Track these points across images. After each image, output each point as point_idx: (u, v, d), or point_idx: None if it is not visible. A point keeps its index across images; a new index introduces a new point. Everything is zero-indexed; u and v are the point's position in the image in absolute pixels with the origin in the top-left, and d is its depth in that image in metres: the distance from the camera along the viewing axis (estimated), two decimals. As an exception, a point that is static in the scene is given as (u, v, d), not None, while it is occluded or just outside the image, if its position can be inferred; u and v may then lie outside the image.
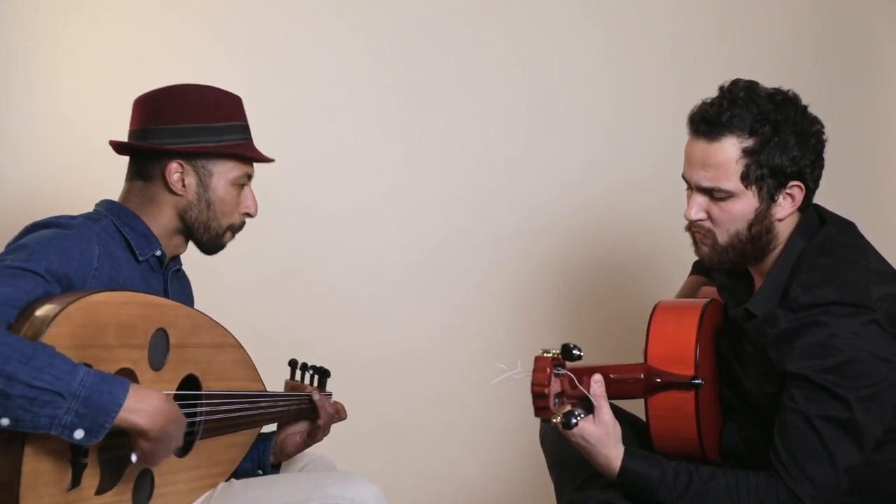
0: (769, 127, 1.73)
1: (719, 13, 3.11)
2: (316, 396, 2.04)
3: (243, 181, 1.90)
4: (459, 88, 3.02)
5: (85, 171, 2.70)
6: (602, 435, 1.73)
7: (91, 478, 1.54)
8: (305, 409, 2.04)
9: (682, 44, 3.08)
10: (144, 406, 1.49)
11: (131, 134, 1.88)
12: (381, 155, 3.01)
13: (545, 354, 1.66)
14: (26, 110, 2.77)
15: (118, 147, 1.89)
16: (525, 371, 1.69)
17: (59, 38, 2.79)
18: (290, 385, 2.12)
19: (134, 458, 1.54)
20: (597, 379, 1.74)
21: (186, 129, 1.82)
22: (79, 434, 1.43)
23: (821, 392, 1.66)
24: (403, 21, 2.99)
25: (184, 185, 1.84)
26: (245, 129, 1.91)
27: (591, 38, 3.07)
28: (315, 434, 2.04)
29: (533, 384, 1.63)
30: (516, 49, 3.04)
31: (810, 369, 1.66)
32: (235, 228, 1.93)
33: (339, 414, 2.08)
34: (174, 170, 1.83)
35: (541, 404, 1.64)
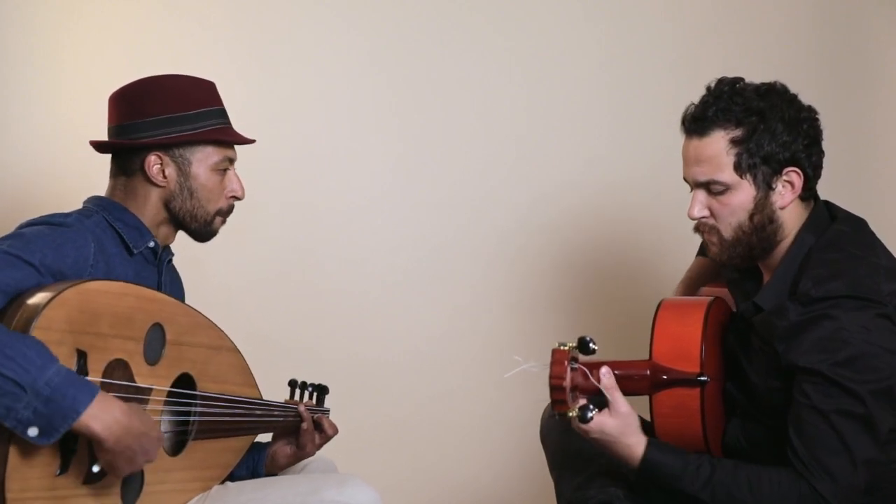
0: (755, 117, 1.76)
1: (718, 13, 3.11)
2: (303, 412, 2.00)
3: (225, 165, 1.88)
4: (459, 88, 3.01)
5: (84, 170, 2.69)
6: (622, 425, 1.73)
7: (80, 464, 1.52)
8: (298, 422, 2.02)
9: (681, 43, 3.08)
10: (104, 415, 1.45)
11: (109, 131, 1.87)
12: (381, 154, 3.00)
13: (562, 347, 1.65)
14: (26, 109, 2.77)
15: (98, 146, 1.89)
16: (540, 365, 1.69)
17: (59, 38, 2.79)
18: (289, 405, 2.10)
19: (96, 468, 1.51)
20: (604, 371, 1.74)
21: (160, 120, 1.82)
22: (32, 432, 1.41)
23: (834, 387, 1.65)
24: (403, 21, 2.99)
25: (164, 177, 1.83)
26: (221, 114, 1.89)
27: (590, 38, 3.06)
28: (305, 447, 2.00)
29: (551, 377, 1.63)
30: (515, 48, 3.03)
31: (822, 364, 1.66)
32: (224, 213, 1.90)
33: (325, 431, 2.03)
34: (153, 162, 1.82)
35: (558, 397, 1.64)
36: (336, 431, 2.06)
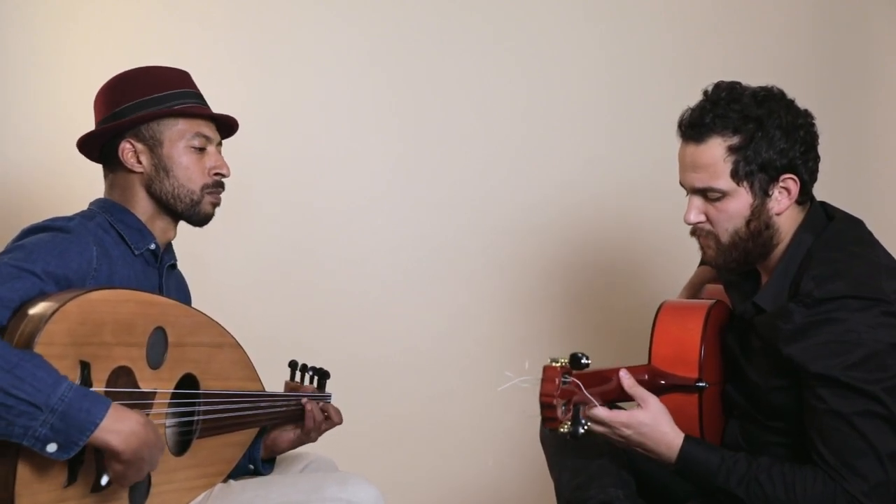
0: (753, 124, 1.76)
1: (718, 13, 3.11)
2: (308, 406, 2.02)
3: (200, 143, 1.86)
4: (459, 88, 3.02)
5: (84, 170, 2.69)
6: (653, 417, 1.74)
7: (87, 475, 1.52)
8: (302, 410, 2.04)
9: (681, 43, 3.08)
10: (121, 427, 1.47)
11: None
12: (381, 155, 3.00)
13: (553, 364, 1.65)
14: (26, 109, 2.77)
15: (79, 147, 1.89)
16: (532, 380, 1.68)
17: (59, 38, 2.79)
18: (290, 386, 2.12)
19: (104, 480, 1.52)
20: (623, 373, 1.76)
21: (131, 106, 1.82)
22: (51, 448, 1.42)
23: (850, 390, 1.66)
24: (402, 21, 2.99)
25: (139, 161, 1.83)
26: (195, 96, 1.89)
27: (590, 38, 3.06)
28: (309, 434, 2.03)
29: (541, 395, 1.62)
30: (515, 48, 3.04)
31: (835, 368, 1.66)
32: (210, 188, 1.88)
33: (331, 419, 2.07)
34: (127, 149, 1.83)
35: (549, 415, 1.63)
36: (341, 420, 2.08)
